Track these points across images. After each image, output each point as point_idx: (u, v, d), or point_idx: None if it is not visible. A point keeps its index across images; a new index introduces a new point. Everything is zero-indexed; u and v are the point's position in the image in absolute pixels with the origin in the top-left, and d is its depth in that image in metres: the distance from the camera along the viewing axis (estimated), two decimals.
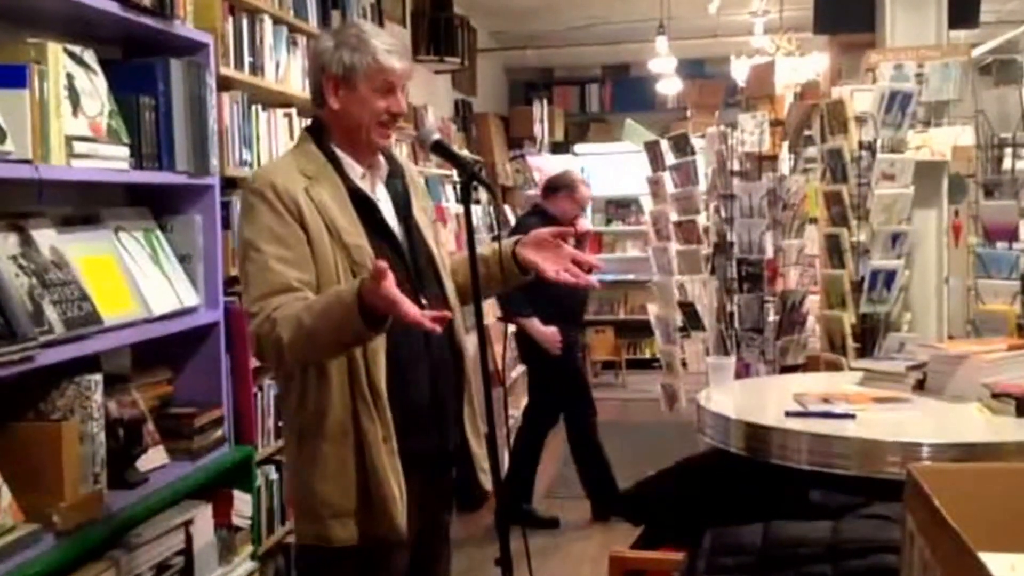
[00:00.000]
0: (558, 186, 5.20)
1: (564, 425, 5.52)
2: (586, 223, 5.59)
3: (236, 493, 2.99)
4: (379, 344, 2.14)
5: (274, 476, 3.41)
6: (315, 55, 2.29)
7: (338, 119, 2.26)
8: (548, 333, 5.01)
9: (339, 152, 2.27)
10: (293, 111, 3.79)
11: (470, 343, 2.35)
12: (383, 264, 1.90)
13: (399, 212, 2.31)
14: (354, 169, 2.27)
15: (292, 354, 2.08)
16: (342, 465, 2.17)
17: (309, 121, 2.51)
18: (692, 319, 4.92)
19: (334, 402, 2.16)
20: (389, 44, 2.25)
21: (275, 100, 3.70)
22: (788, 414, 2.41)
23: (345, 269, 2.15)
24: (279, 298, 2.08)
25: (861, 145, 4.02)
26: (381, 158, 2.33)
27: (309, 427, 2.20)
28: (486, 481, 2.38)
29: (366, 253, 2.16)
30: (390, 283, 1.89)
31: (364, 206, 2.23)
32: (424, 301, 2.16)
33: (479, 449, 2.39)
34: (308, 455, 2.21)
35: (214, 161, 2.99)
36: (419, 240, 2.31)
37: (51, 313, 2.22)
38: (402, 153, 5.43)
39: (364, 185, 2.27)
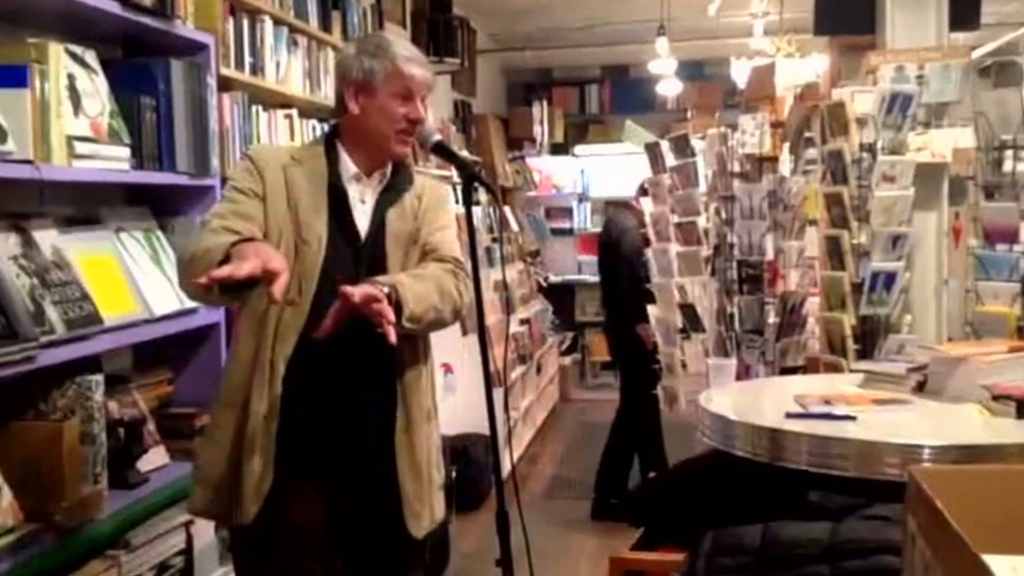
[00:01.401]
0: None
1: (618, 412, 5.73)
2: None
3: None
4: (294, 326, 2.17)
5: None
6: (337, 64, 2.35)
7: (357, 124, 2.29)
8: (650, 331, 5.44)
9: (340, 149, 2.30)
10: (294, 112, 3.79)
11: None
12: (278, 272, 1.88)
13: (375, 216, 2.30)
14: (347, 167, 2.29)
15: (187, 271, 2.08)
16: (222, 431, 2.22)
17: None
18: (692, 320, 4.91)
19: (236, 370, 2.21)
20: (410, 52, 2.28)
21: (275, 101, 3.70)
22: (788, 416, 2.41)
23: (289, 240, 2.19)
24: (224, 220, 2.14)
25: (861, 147, 4.01)
26: (388, 167, 2.33)
27: (217, 395, 2.28)
28: (415, 527, 2.29)
29: (314, 232, 2.20)
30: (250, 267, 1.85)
31: (336, 198, 2.26)
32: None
33: (413, 487, 2.28)
34: (208, 422, 2.32)
35: (215, 162, 2.99)
36: (379, 248, 2.27)
37: (52, 313, 2.22)
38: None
39: (351, 183, 2.29)
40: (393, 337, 2.00)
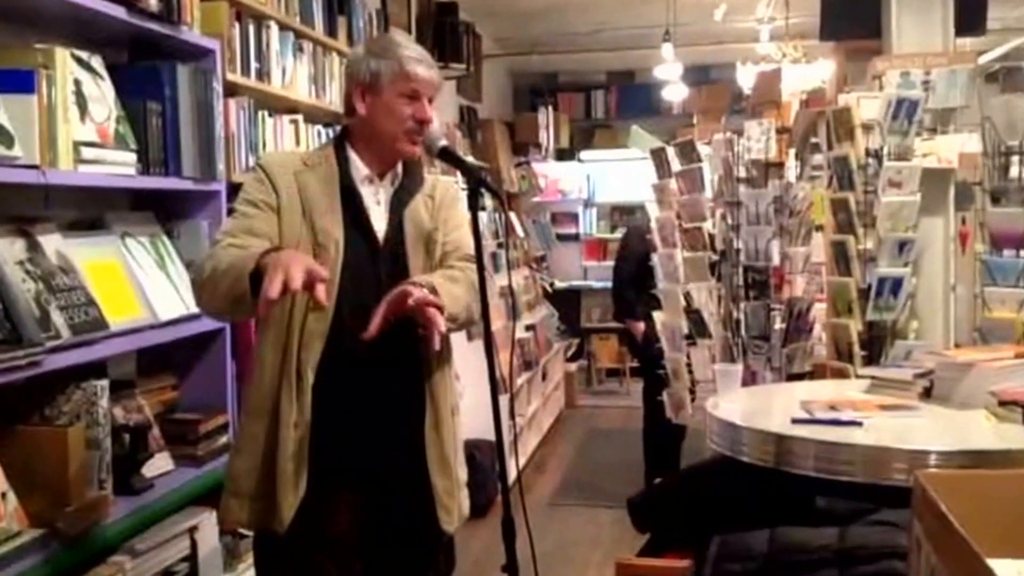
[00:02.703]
0: None
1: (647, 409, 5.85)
2: None
3: None
4: (318, 332, 2.16)
5: None
6: (347, 65, 2.36)
7: (365, 125, 2.29)
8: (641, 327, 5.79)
9: (351, 152, 2.30)
10: (299, 117, 3.80)
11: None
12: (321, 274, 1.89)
13: (391, 218, 2.30)
14: (359, 170, 2.29)
15: (207, 288, 2.08)
16: (253, 442, 2.20)
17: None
18: (698, 326, 4.91)
19: (264, 379, 2.20)
20: (417, 53, 2.27)
21: (281, 106, 3.70)
22: (795, 421, 2.41)
23: (307, 247, 2.18)
24: (235, 239, 2.13)
25: (868, 152, 4.01)
26: (399, 168, 2.33)
27: (243, 405, 2.27)
28: (447, 521, 2.31)
29: (331, 237, 2.19)
30: (294, 266, 1.85)
31: (350, 200, 2.25)
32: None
33: (443, 483, 2.29)
34: (237, 433, 2.29)
35: (220, 167, 3.00)
36: (399, 249, 2.28)
37: (58, 318, 2.22)
38: None
39: (363, 185, 2.28)
40: (438, 344, 2.05)
